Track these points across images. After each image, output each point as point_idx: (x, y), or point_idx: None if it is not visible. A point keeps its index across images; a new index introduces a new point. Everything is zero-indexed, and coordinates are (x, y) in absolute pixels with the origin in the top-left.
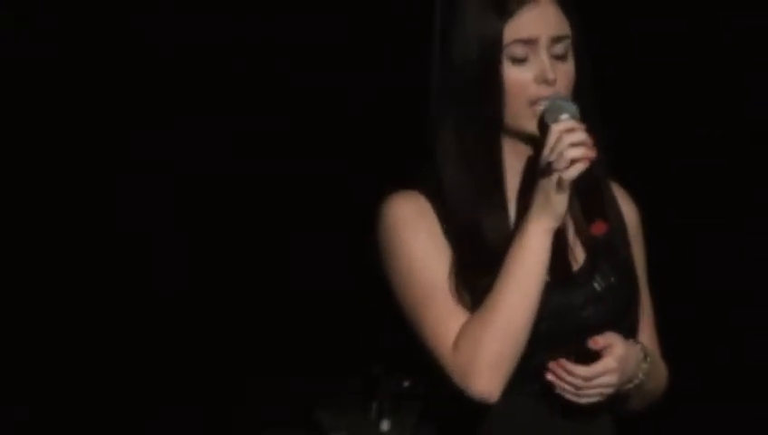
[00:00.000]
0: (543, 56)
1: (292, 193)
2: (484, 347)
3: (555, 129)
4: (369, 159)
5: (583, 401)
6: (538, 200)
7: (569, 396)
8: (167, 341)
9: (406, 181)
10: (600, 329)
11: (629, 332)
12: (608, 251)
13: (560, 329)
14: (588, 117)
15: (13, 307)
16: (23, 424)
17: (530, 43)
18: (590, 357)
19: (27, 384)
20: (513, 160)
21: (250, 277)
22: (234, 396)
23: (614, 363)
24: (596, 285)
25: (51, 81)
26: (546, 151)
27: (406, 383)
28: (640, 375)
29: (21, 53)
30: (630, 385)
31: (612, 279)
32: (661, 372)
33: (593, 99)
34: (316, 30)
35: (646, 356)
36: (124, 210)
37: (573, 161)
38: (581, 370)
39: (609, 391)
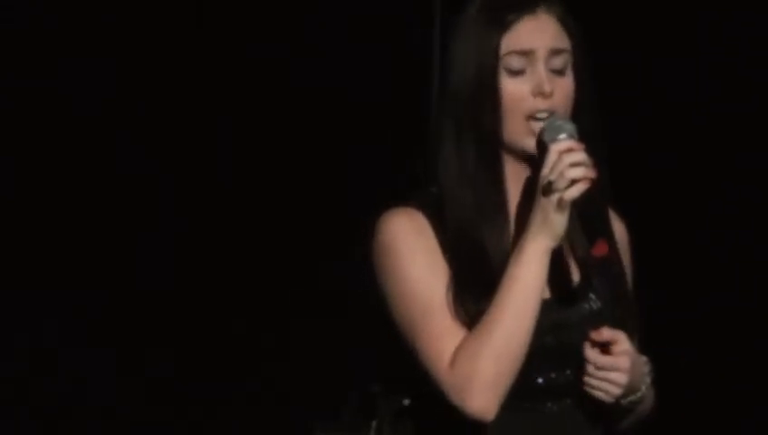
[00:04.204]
0: (540, 69)
1: (292, 193)
2: (481, 366)
3: (554, 148)
4: (370, 159)
5: (597, 394)
6: (537, 219)
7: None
8: (164, 342)
9: (402, 196)
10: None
11: None
12: (602, 268)
13: (559, 346)
14: (590, 137)
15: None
16: (22, 424)
17: (527, 54)
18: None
19: (25, 384)
20: (512, 179)
21: (250, 278)
22: (233, 400)
23: (627, 364)
24: (592, 302)
25: (50, 79)
26: (546, 170)
27: (406, 401)
28: (643, 388)
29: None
30: (633, 397)
31: (608, 296)
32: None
33: (596, 118)
34: (316, 30)
35: (650, 370)
36: (124, 210)
37: (574, 181)
38: (596, 357)
39: (616, 391)
